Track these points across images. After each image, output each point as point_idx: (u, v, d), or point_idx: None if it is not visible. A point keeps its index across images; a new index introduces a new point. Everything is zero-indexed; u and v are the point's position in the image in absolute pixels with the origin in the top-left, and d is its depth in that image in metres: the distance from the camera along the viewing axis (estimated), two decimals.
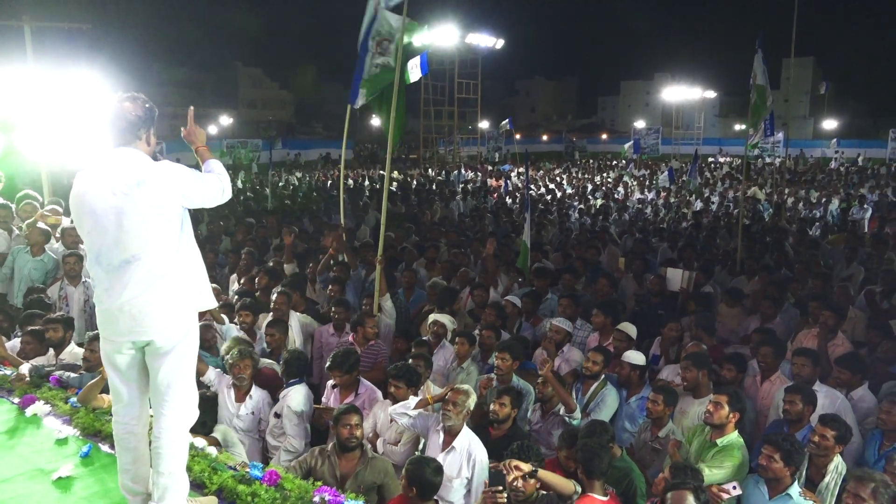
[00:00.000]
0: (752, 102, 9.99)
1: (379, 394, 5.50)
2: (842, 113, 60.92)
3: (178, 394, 3.34)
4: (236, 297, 7.25)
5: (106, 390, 4.81)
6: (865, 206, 17.96)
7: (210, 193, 3.39)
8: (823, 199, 20.25)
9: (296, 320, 6.70)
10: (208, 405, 4.72)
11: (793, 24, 14.04)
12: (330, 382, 5.54)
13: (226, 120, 55.10)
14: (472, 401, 4.51)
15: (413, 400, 4.83)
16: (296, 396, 5.37)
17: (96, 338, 4.96)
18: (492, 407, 4.82)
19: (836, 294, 7.58)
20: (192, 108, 3.65)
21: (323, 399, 5.54)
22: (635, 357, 5.56)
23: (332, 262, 8.10)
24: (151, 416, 3.45)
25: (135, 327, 3.21)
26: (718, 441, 4.41)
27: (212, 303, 3.52)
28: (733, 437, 4.41)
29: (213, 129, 53.03)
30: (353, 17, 6.90)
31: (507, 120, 34.05)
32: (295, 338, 6.55)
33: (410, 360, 5.37)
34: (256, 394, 5.42)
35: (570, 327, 6.40)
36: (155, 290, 3.19)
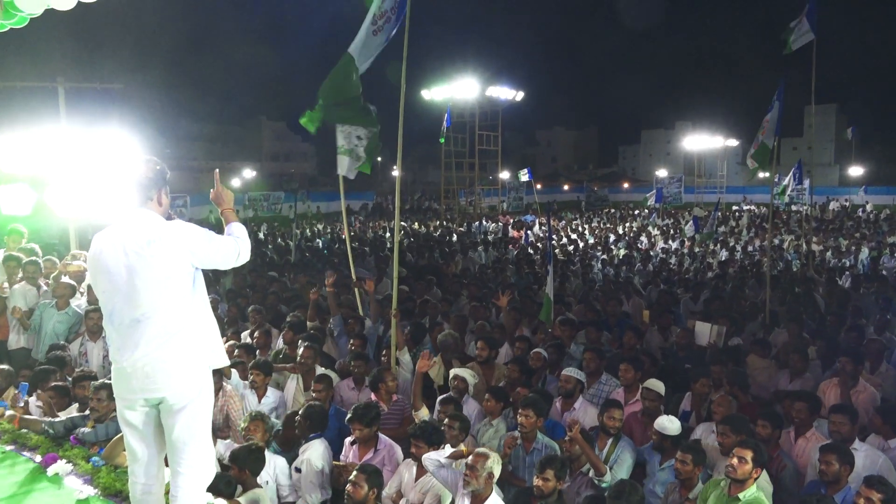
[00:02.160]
0: (766, 149, 10.03)
1: (399, 450, 5.43)
2: (868, 159, 60.54)
3: (195, 451, 3.38)
4: (236, 351, 7.16)
5: None
6: None
7: (223, 255, 3.46)
8: (853, 248, 20.00)
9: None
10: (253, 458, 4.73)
11: (812, 71, 14.07)
12: (348, 439, 5.48)
13: (249, 173, 56.33)
14: (492, 463, 4.39)
15: (449, 449, 4.77)
16: (315, 452, 5.33)
17: (102, 387, 5.08)
18: (535, 482, 4.63)
19: (867, 347, 7.41)
20: (217, 170, 3.77)
21: (342, 456, 5.48)
22: (670, 427, 5.30)
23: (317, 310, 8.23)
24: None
25: (147, 385, 3.29)
26: (741, 496, 4.27)
27: (224, 360, 3.59)
28: (755, 492, 4.27)
29: (236, 182, 54.21)
30: (371, 74, 7.07)
31: (525, 170, 34.32)
32: None
33: (446, 421, 5.25)
34: (270, 461, 5.27)
35: (581, 376, 6.27)
36: (167, 347, 3.27)
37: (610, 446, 5.38)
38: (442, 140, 22.27)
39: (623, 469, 5.22)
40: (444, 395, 6.12)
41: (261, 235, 26.67)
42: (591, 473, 5.06)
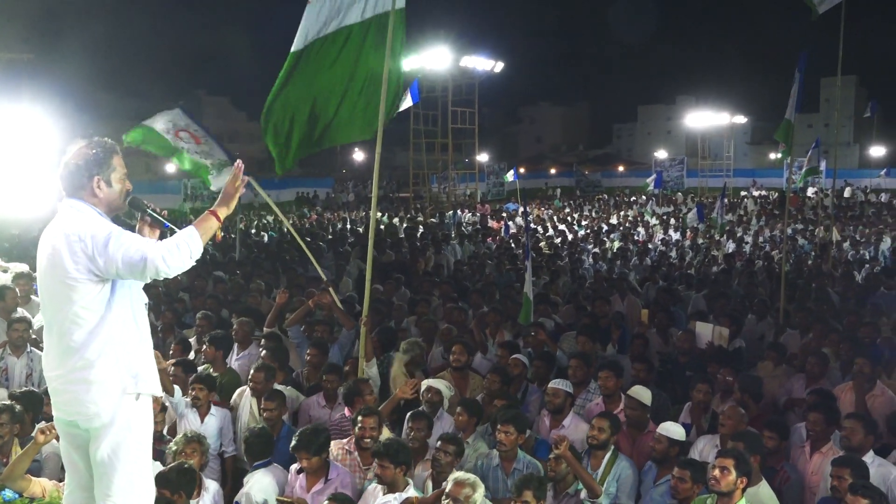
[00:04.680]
0: (789, 125, 10.29)
1: (351, 477, 5.43)
2: (891, 138, 61.78)
3: (119, 484, 3.40)
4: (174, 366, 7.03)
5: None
6: None
7: (124, 263, 3.23)
8: (874, 238, 20.45)
9: None
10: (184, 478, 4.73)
11: (839, 37, 14.31)
12: (294, 467, 5.43)
13: None
14: (479, 495, 4.43)
15: (396, 498, 4.78)
16: (257, 485, 5.32)
17: (3, 410, 5.08)
18: None
19: (882, 343, 7.65)
20: (239, 161, 3.60)
21: (287, 487, 5.43)
22: (675, 430, 5.42)
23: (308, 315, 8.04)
24: None
25: (58, 404, 3.43)
26: None
27: (155, 389, 3.54)
28: None
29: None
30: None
31: (511, 171, 34.83)
32: None
33: (438, 444, 5.22)
34: (212, 487, 5.30)
35: (570, 388, 6.31)
36: (70, 365, 3.32)
37: (607, 464, 5.44)
38: (392, 113, 22.05)
39: (625, 494, 5.32)
40: (415, 411, 6.05)
41: None
42: (583, 495, 5.14)
